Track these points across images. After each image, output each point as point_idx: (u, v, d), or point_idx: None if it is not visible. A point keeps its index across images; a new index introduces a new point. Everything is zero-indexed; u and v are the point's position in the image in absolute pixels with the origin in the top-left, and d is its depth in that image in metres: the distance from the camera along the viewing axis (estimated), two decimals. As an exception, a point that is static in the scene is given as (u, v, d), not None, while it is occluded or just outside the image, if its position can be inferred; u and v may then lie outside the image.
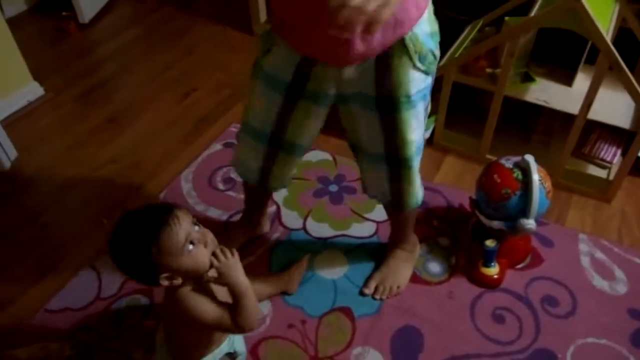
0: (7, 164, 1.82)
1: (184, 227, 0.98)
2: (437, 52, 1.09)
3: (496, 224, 1.41)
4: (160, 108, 2.16)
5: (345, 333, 1.37)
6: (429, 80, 1.10)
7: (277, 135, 1.23)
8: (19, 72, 2.09)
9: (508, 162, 1.40)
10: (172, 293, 1.06)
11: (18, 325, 1.41)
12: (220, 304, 1.05)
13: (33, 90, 2.15)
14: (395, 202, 1.29)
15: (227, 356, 1.22)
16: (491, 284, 1.47)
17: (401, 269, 1.49)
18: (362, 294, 1.46)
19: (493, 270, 1.46)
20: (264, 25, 1.14)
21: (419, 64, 1.04)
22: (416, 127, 1.14)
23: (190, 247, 0.98)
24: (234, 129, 2.03)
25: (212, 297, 1.05)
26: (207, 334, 1.13)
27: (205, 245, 1.01)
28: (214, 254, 1.01)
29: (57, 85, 2.25)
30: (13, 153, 1.85)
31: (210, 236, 1.03)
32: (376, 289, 1.46)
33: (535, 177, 1.32)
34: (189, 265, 0.99)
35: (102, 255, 1.57)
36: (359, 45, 0.99)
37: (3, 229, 1.67)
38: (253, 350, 1.34)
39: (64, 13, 2.62)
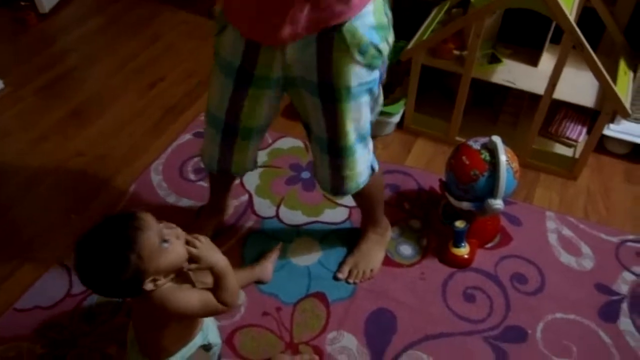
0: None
1: (153, 228, 0.98)
2: (384, 46, 1.08)
3: (465, 205, 1.43)
4: (126, 99, 2.12)
5: (320, 318, 1.39)
6: (375, 75, 1.11)
7: (231, 122, 1.24)
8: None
9: (476, 144, 1.42)
10: (148, 301, 1.05)
11: (-14, 326, 1.38)
12: (201, 289, 1.06)
13: (-8, 84, 2.09)
14: (335, 188, 1.29)
15: (202, 348, 1.22)
16: (462, 264, 1.50)
17: (373, 252, 1.51)
18: (335, 278, 1.48)
19: (463, 251, 1.49)
20: (219, 6, 1.15)
21: (358, 57, 1.04)
22: (357, 119, 1.15)
23: (166, 244, 0.99)
24: (203, 117, 2.00)
25: (192, 284, 1.07)
26: (179, 329, 1.12)
27: (178, 237, 1.01)
28: (187, 243, 1.01)
29: (18, 78, 2.18)
30: (-25, 150, 1.80)
31: (178, 228, 1.03)
32: (350, 273, 1.48)
33: (503, 157, 1.35)
34: (170, 261, 0.99)
35: (71, 251, 1.54)
36: (287, 28, 1.02)
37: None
38: (228, 340, 1.34)
39: (22, 3, 2.53)
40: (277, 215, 1.66)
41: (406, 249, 1.56)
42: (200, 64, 2.29)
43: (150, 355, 1.16)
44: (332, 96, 1.10)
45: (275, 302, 1.43)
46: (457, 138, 1.85)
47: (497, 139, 1.38)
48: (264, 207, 1.69)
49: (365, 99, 1.14)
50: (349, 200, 1.69)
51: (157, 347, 1.15)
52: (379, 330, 1.36)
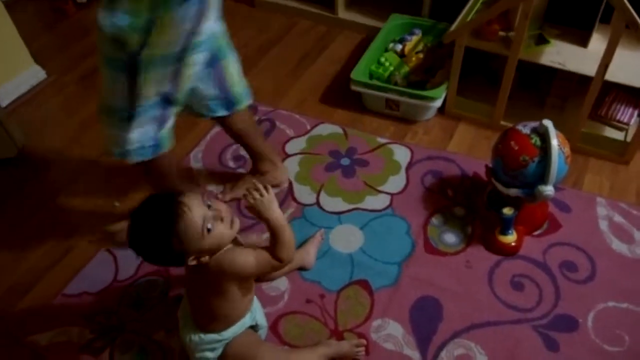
0: (15, 150, 1.82)
1: (196, 212, 1.02)
2: None
3: (513, 192, 1.41)
4: (164, 87, 2.15)
5: (364, 306, 1.39)
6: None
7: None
8: (20, 56, 2.08)
9: (525, 128, 1.39)
10: (202, 268, 1.09)
11: (37, 311, 1.44)
12: (255, 248, 1.11)
13: (35, 74, 2.14)
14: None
15: (250, 328, 1.25)
16: (509, 252, 1.47)
17: (275, 174, 1.64)
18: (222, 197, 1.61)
19: (510, 238, 1.47)
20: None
21: None
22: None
23: (209, 226, 1.01)
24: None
25: (243, 245, 1.12)
26: (233, 299, 1.16)
27: (222, 220, 1.05)
28: (248, 192, 1.06)
29: (59, 67, 2.23)
30: (20, 139, 1.85)
31: (223, 207, 1.06)
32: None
33: (554, 142, 1.31)
34: (213, 243, 1.04)
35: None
36: None
37: (16, 216, 1.69)
38: (273, 327, 1.36)
39: (60, -7, 2.58)
40: (317, 202, 1.66)
41: (450, 237, 1.54)
42: (236, 50, 2.29)
43: (203, 327, 1.20)
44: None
45: (319, 289, 1.44)
46: (502, 122, 1.81)
47: (548, 123, 1.34)
48: (304, 193, 1.69)
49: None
50: (390, 187, 1.69)
51: (211, 317, 1.19)
52: (424, 318, 1.36)
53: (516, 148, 1.37)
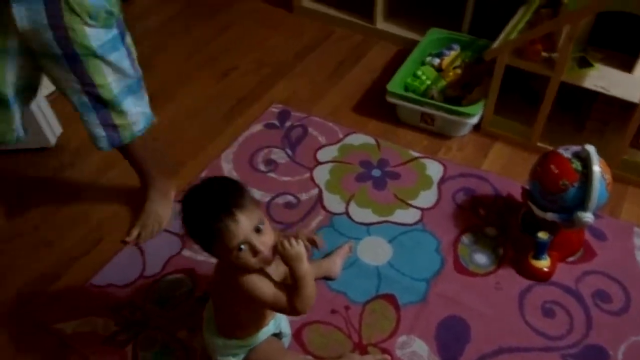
0: (53, 140, 1.86)
1: (240, 231, 1.00)
2: (115, 9, 1.24)
3: (550, 216, 1.39)
4: (198, 87, 2.18)
5: (390, 320, 1.38)
6: (113, 32, 1.25)
7: None
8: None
9: (567, 152, 1.37)
10: (229, 272, 1.09)
11: (64, 300, 1.46)
12: (279, 286, 1.09)
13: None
14: (110, 137, 1.40)
15: (273, 336, 1.25)
16: (541, 277, 1.45)
17: (160, 210, 1.62)
18: (124, 242, 1.58)
19: (544, 263, 1.45)
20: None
21: (91, 22, 1.19)
22: (113, 72, 1.29)
23: (243, 247, 1.01)
24: (275, 109, 2.03)
25: (270, 278, 1.09)
26: (258, 313, 1.15)
27: (254, 255, 1.03)
28: (280, 241, 1.04)
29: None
30: (58, 129, 1.89)
31: (266, 242, 1.03)
32: (139, 235, 1.58)
33: (596, 168, 1.29)
34: (236, 263, 1.04)
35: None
36: None
37: (49, 205, 1.72)
38: (297, 335, 1.36)
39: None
40: (346, 212, 1.66)
41: (481, 257, 1.53)
42: (271, 54, 2.32)
43: (225, 334, 1.20)
44: (80, 62, 1.23)
45: (344, 301, 1.43)
46: (539, 144, 1.79)
47: (590, 148, 1.32)
48: (334, 202, 1.69)
49: (115, 56, 1.26)
50: (421, 202, 1.68)
51: (233, 325, 1.19)
52: (451, 337, 1.35)
53: (556, 172, 1.35)
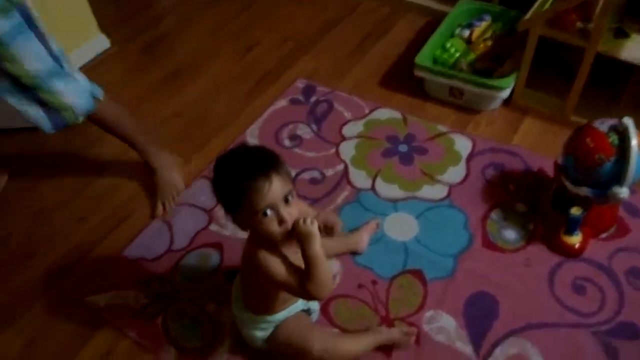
0: (81, 117, 1.88)
1: (270, 194, 0.99)
2: None
3: (584, 191, 1.36)
4: (223, 62, 2.18)
5: (417, 295, 1.39)
6: (15, 19, 1.27)
7: None
8: (87, 24, 2.15)
9: (603, 125, 1.33)
10: (251, 248, 1.10)
11: (96, 274, 1.50)
12: (294, 267, 1.08)
13: (100, 43, 2.21)
14: (55, 122, 1.45)
15: (302, 312, 1.26)
16: (573, 253, 1.43)
17: (169, 179, 1.67)
18: (153, 217, 1.62)
19: (575, 239, 1.42)
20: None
21: None
22: (31, 59, 1.32)
23: (268, 212, 1.01)
24: (300, 84, 2.02)
25: (286, 259, 1.09)
26: (282, 291, 1.16)
27: (280, 224, 1.02)
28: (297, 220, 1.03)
29: (122, 38, 2.29)
30: (85, 105, 1.91)
31: (293, 214, 1.03)
32: (164, 206, 1.63)
33: (634, 142, 1.26)
34: (256, 226, 1.03)
35: (173, 207, 1.63)
36: None
37: (79, 181, 1.75)
38: (324, 308, 1.37)
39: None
40: (372, 188, 1.65)
41: (510, 233, 1.51)
42: (296, 29, 2.30)
43: (253, 310, 1.22)
44: None
45: (371, 275, 1.44)
46: (573, 118, 1.74)
47: (628, 121, 1.28)
48: (360, 178, 1.68)
49: (22, 40, 1.29)
50: (449, 177, 1.66)
51: (261, 302, 1.20)
52: (479, 313, 1.34)
53: (591, 145, 1.31)
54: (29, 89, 1.37)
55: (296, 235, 1.03)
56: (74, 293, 1.46)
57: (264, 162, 1.02)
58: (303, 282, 1.07)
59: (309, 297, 1.10)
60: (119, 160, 1.80)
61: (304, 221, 1.02)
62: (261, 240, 1.07)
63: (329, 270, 1.09)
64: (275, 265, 1.08)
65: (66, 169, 1.80)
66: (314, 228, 1.03)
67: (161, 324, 1.38)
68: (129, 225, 1.61)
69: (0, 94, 1.38)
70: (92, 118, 1.53)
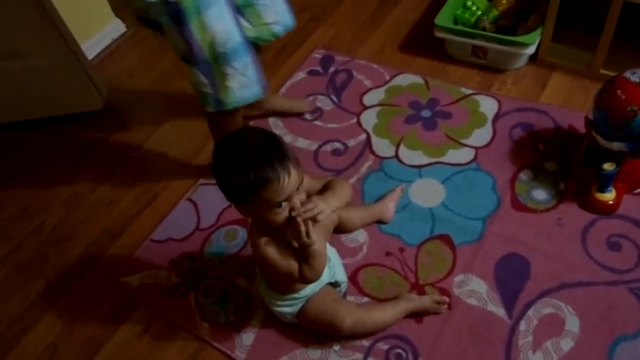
0: (102, 103, 1.95)
1: (289, 187, 1.00)
2: None
3: (616, 145, 1.34)
4: (239, 38, 2.19)
5: (446, 261, 1.40)
6: None
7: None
8: (101, 9, 2.17)
9: (634, 76, 1.30)
10: (253, 236, 1.13)
11: (127, 255, 1.56)
12: (291, 256, 1.12)
13: (116, 27, 2.26)
14: (214, 98, 1.38)
15: (329, 285, 1.30)
16: (606, 210, 1.42)
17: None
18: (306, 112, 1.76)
19: (609, 196, 1.41)
20: None
21: None
22: (210, 31, 1.25)
23: (281, 206, 1.03)
24: (317, 55, 2.03)
25: (287, 248, 1.12)
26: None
27: (290, 212, 1.05)
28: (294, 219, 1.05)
29: (136, 20, 2.32)
30: (105, 91, 1.97)
31: (299, 199, 1.05)
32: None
33: (667, 90, 1.23)
34: (268, 216, 1.05)
35: (198, 187, 1.68)
36: None
37: (105, 166, 1.82)
38: (352, 278, 1.40)
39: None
40: (396, 156, 1.66)
41: (540, 194, 1.50)
42: (310, 0, 2.29)
43: (277, 290, 1.26)
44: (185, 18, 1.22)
45: (398, 243, 1.46)
46: (602, 71, 1.70)
47: (660, 69, 1.25)
48: (383, 146, 1.69)
49: (211, 13, 1.22)
50: (475, 140, 1.66)
51: (282, 283, 1.24)
52: (510, 275, 1.35)
53: (623, 97, 1.29)
54: (206, 64, 1.31)
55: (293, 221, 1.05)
56: (108, 275, 1.53)
57: (279, 152, 1.00)
58: (302, 268, 1.12)
59: (305, 280, 1.15)
60: (142, 144, 1.86)
61: (310, 209, 1.05)
62: (264, 227, 1.10)
63: (324, 255, 1.14)
64: (273, 255, 1.11)
65: (93, 155, 1.86)
66: (321, 216, 1.06)
67: (193, 300, 1.44)
68: (156, 207, 1.67)
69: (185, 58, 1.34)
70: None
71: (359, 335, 1.28)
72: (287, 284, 1.22)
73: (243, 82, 1.34)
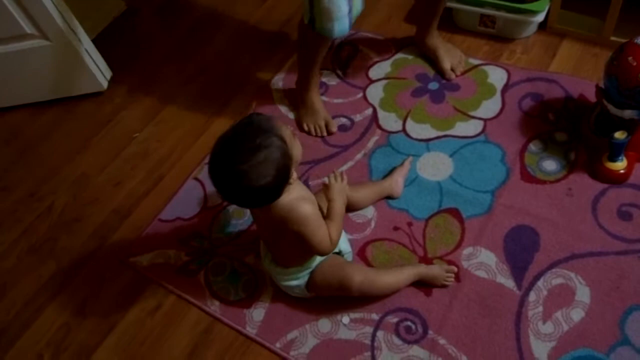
0: (105, 84, 1.96)
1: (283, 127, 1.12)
2: None
3: (628, 113, 1.33)
4: (241, 13, 2.19)
5: (454, 234, 1.42)
6: None
7: None
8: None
9: (645, 41, 1.29)
10: (290, 203, 1.16)
11: (137, 235, 1.59)
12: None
13: (117, 6, 2.25)
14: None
15: (334, 254, 1.32)
16: (617, 180, 1.42)
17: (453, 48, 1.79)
18: (447, 79, 1.75)
19: (620, 165, 1.41)
20: None
21: None
22: None
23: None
24: None
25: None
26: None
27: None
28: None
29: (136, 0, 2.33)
30: (108, 72, 1.98)
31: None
32: (452, 69, 1.74)
33: (679, 55, 1.22)
34: (298, 152, 1.14)
35: (204, 166, 1.70)
36: None
37: (111, 146, 1.84)
38: (360, 253, 1.42)
39: None
40: (403, 129, 1.67)
41: (550, 164, 1.50)
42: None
43: (284, 264, 1.29)
44: None
45: (406, 217, 1.47)
46: (613, 38, 1.68)
47: (672, 34, 1.24)
48: (390, 121, 1.70)
49: None
50: (483, 112, 1.66)
51: (289, 256, 1.26)
52: (519, 247, 1.36)
53: (634, 64, 1.28)
54: None
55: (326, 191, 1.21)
56: (118, 255, 1.56)
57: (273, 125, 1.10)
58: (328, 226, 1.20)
59: (330, 240, 1.20)
60: (146, 125, 1.87)
61: (335, 178, 1.19)
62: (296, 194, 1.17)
63: (341, 226, 1.25)
64: (302, 205, 1.15)
65: (99, 136, 1.88)
66: (344, 182, 1.21)
67: (203, 279, 1.47)
68: (163, 187, 1.70)
69: None
70: None
71: (368, 296, 1.30)
72: (299, 254, 1.26)
73: (331, 13, 1.38)
